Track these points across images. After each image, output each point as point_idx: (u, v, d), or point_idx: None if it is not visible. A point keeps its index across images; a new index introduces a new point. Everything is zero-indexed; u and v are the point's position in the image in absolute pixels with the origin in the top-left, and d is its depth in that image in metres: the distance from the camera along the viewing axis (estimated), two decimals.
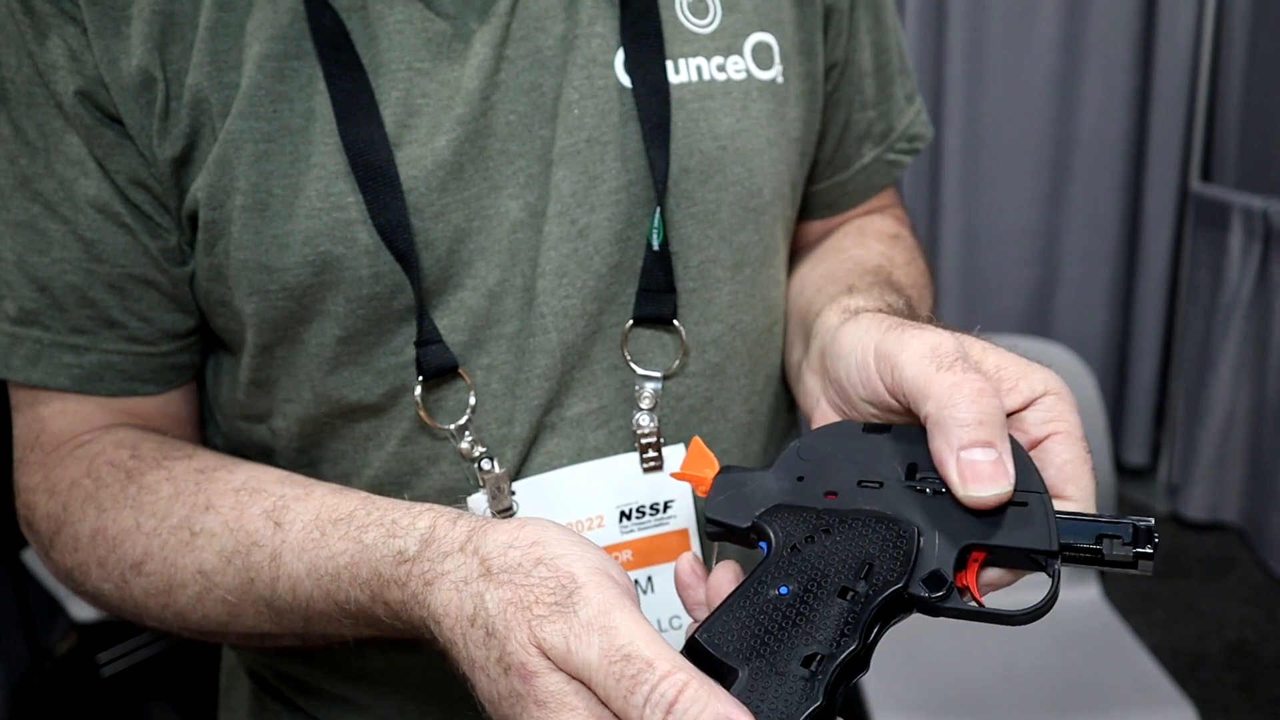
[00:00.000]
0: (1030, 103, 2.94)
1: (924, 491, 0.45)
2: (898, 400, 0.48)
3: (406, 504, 0.50)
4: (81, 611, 1.98)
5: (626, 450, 0.61)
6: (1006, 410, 0.46)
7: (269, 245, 0.55)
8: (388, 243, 0.55)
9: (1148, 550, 0.43)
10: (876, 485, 0.47)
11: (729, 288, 0.63)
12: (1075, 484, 0.45)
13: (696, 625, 0.45)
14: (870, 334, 0.49)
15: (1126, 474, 3.12)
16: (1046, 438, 0.46)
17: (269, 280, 0.56)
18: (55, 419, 0.61)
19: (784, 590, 0.43)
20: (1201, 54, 2.78)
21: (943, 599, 0.43)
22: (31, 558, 2.13)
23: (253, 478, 0.55)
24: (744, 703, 0.40)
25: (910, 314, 0.62)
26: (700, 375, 0.63)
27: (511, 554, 0.43)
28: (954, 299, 3.02)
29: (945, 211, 2.96)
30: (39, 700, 2.44)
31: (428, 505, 0.49)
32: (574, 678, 0.41)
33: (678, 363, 0.62)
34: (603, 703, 0.40)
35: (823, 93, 0.68)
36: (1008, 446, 0.43)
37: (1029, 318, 3.11)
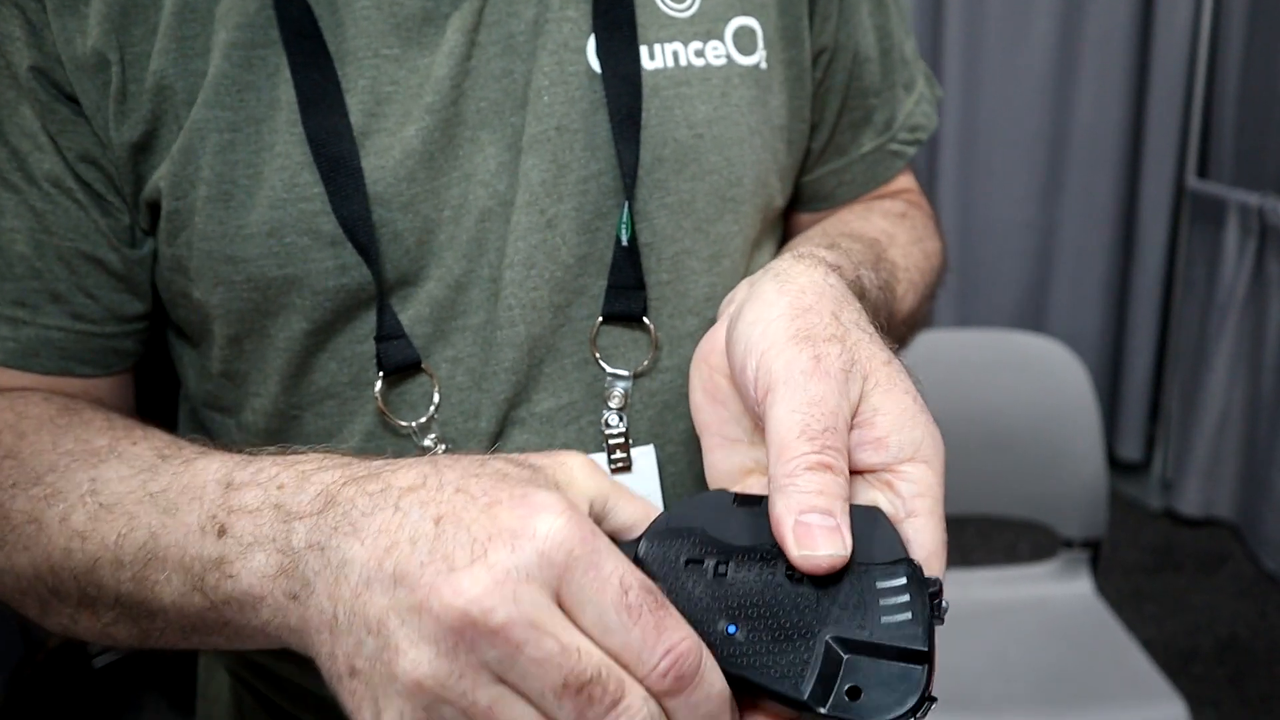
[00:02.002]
0: (1027, 98, 2.93)
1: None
2: (758, 413, 0.45)
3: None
4: None
5: (596, 450, 0.60)
6: (867, 465, 0.43)
7: (233, 236, 0.54)
8: (350, 235, 0.54)
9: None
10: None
11: (706, 280, 0.62)
12: (931, 571, 0.42)
13: None
14: (777, 328, 0.45)
15: (1121, 469, 3.12)
16: (911, 516, 0.43)
17: (234, 271, 0.55)
18: None
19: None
20: (1198, 50, 2.78)
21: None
22: None
23: (149, 436, 0.52)
24: None
25: (888, 293, 0.60)
26: (674, 371, 0.61)
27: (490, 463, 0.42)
28: (949, 293, 3.02)
29: (941, 205, 2.96)
30: (32, 691, 2.44)
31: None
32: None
33: (648, 360, 0.60)
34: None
35: (811, 79, 0.66)
36: (846, 518, 0.41)
37: (1024, 312, 3.11)
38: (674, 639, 0.37)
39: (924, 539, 0.42)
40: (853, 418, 0.43)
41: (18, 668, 2.45)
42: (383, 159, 0.55)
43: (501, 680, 0.36)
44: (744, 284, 0.51)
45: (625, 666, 0.37)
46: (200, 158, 0.54)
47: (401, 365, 0.56)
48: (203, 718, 0.79)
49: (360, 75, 0.55)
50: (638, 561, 0.43)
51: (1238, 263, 2.68)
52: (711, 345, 0.50)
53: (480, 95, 0.56)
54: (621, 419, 0.60)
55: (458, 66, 0.56)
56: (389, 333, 0.56)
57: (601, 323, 0.59)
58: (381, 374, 0.57)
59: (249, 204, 0.54)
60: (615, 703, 0.36)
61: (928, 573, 0.42)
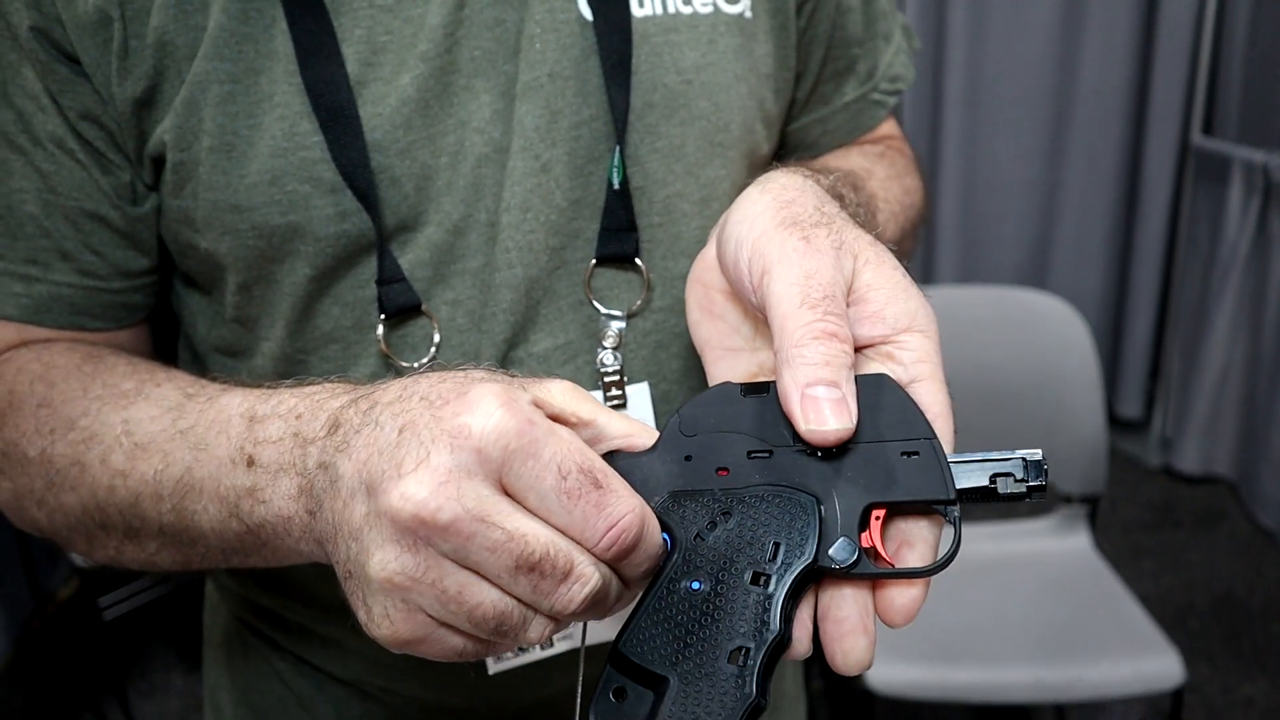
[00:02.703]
0: (1032, 55, 2.91)
1: (814, 454, 0.44)
2: (755, 302, 0.46)
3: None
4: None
5: (592, 388, 0.61)
6: (866, 338, 0.45)
7: (236, 186, 0.55)
8: (349, 182, 0.55)
9: (1039, 483, 0.44)
10: (766, 454, 0.45)
11: (696, 222, 0.63)
12: (941, 429, 0.45)
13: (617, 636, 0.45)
14: (764, 219, 0.46)
15: (1121, 427, 3.14)
16: (915, 382, 0.45)
17: (239, 220, 0.56)
18: None
19: (696, 585, 0.43)
20: (1206, 7, 2.75)
21: (853, 566, 0.43)
22: None
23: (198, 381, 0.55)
24: (680, 714, 0.40)
25: (869, 214, 0.61)
26: (666, 311, 0.62)
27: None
28: (951, 251, 3.02)
29: (945, 164, 2.94)
30: (42, 644, 2.48)
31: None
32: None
33: (641, 300, 0.62)
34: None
35: (795, 28, 0.67)
36: (852, 389, 0.43)
37: (1027, 270, 3.11)
38: (615, 515, 0.40)
39: (930, 401, 0.44)
40: (848, 294, 0.45)
41: (27, 621, 2.49)
42: (379, 107, 0.56)
43: (464, 566, 0.40)
44: (734, 205, 0.52)
45: (575, 540, 0.41)
46: (202, 110, 0.55)
47: (403, 308, 0.58)
48: (209, 663, 0.81)
49: (355, 25, 0.56)
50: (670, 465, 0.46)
51: (1241, 220, 2.67)
52: (704, 264, 0.52)
53: (473, 43, 0.57)
54: (616, 357, 0.61)
55: (451, 15, 0.56)
56: (389, 276, 0.57)
57: (595, 264, 0.61)
58: (383, 317, 0.58)
59: (250, 154, 0.55)
60: (566, 574, 0.40)
61: (938, 431, 0.44)
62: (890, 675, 1.58)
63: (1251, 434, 2.77)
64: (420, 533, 0.39)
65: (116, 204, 0.59)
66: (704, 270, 0.52)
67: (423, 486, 0.39)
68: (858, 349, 0.45)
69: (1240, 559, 2.64)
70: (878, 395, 0.44)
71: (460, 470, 0.39)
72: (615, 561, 0.41)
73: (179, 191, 0.57)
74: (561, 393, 0.44)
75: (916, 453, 0.43)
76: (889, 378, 0.45)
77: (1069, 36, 2.89)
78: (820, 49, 0.70)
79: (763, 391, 0.46)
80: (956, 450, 0.45)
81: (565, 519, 0.40)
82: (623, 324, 0.61)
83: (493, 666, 0.64)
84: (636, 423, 0.46)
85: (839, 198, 0.54)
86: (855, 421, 0.42)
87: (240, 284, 0.59)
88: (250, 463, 0.46)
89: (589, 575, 0.40)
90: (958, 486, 0.43)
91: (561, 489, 0.40)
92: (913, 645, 1.63)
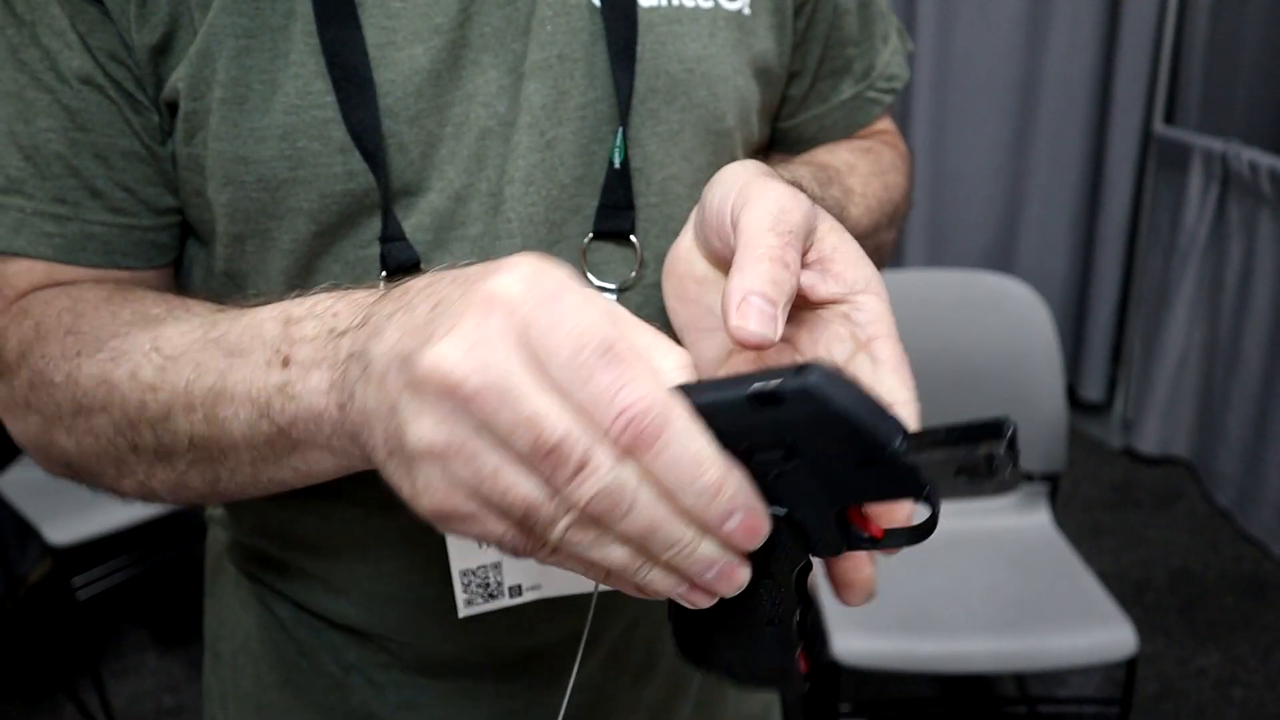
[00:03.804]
0: (999, 45, 2.95)
1: (779, 463, 0.41)
2: (730, 238, 0.48)
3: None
4: (57, 535, 1.99)
5: None
6: (827, 295, 0.48)
7: (246, 137, 0.57)
8: (358, 143, 0.57)
9: (1008, 452, 0.40)
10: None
11: (688, 205, 0.65)
12: (902, 380, 0.47)
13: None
14: (746, 172, 0.50)
15: (1083, 409, 3.21)
16: (872, 340, 0.48)
17: (245, 171, 0.58)
18: (21, 275, 0.61)
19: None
20: (1168, 1, 2.81)
21: (841, 550, 0.43)
22: (3, 483, 2.14)
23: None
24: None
25: (840, 210, 0.64)
26: (656, 286, 0.64)
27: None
28: (919, 235, 3.07)
29: (913, 150, 2.96)
30: (14, 625, 2.47)
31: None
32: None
33: (634, 274, 0.64)
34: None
35: (792, 28, 0.70)
36: (784, 314, 0.44)
37: (992, 254, 3.16)
38: (630, 396, 0.36)
39: (887, 355, 0.47)
40: (811, 253, 0.48)
41: None
42: (392, 73, 0.58)
43: (499, 444, 0.37)
44: (708, 186, 0.55)
45: (592, 426, 0.37)
46: (217, 61, 0.56)
47: (404, 265, 0.60)
48: (210, 615, 0.83)
49: None
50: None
51: (1200, 208, 2.73)
52: (676, 254, 0.56)
53: (485, 20, 0.59)
54: None
55: None
56: (392, 235, 0.59)
57: (591, 239, 0.63)
58: (385, 273, 0.60)
59: (263, 108, 0.57)
60: (581, 466, 0.36)
61: (898, 385, 0.45)
62: (856, 647, 1.62)
63: (1208, 416, 2.84)
64: (452, 401, 0.37)
65: (147, 142, 0.60)
66: (677, 261, 0.55)
67: (452, 351, 0.37)
68: (818, 304, 0.49)
69: (1197, 536, 2.72)
70: (845, 396, 0.42)
71: (490, 336, 0.37)
72: (633, 453, 0.37)
73: (189, 139, 0.58)
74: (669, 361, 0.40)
75: (873, 462, 0.40)
76: (852, 380, 0.42)
77: (1035, 27, 2.94)
78: (817, 48, 0.73)
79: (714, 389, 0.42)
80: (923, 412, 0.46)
81: (579, 396, 0.37)
82: (614, 296, 0.63)
83: (462, 610, 0.66)
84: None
85: (809, 194, 0.56)
86: (778, 337, 0.44)
87: (233, 236, 0.60)
88: (286, 363, 0.46)
89: (605, 470, 0.36)
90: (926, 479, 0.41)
91: (575, 361, 0.37)
92: (878, 618, 1.68)
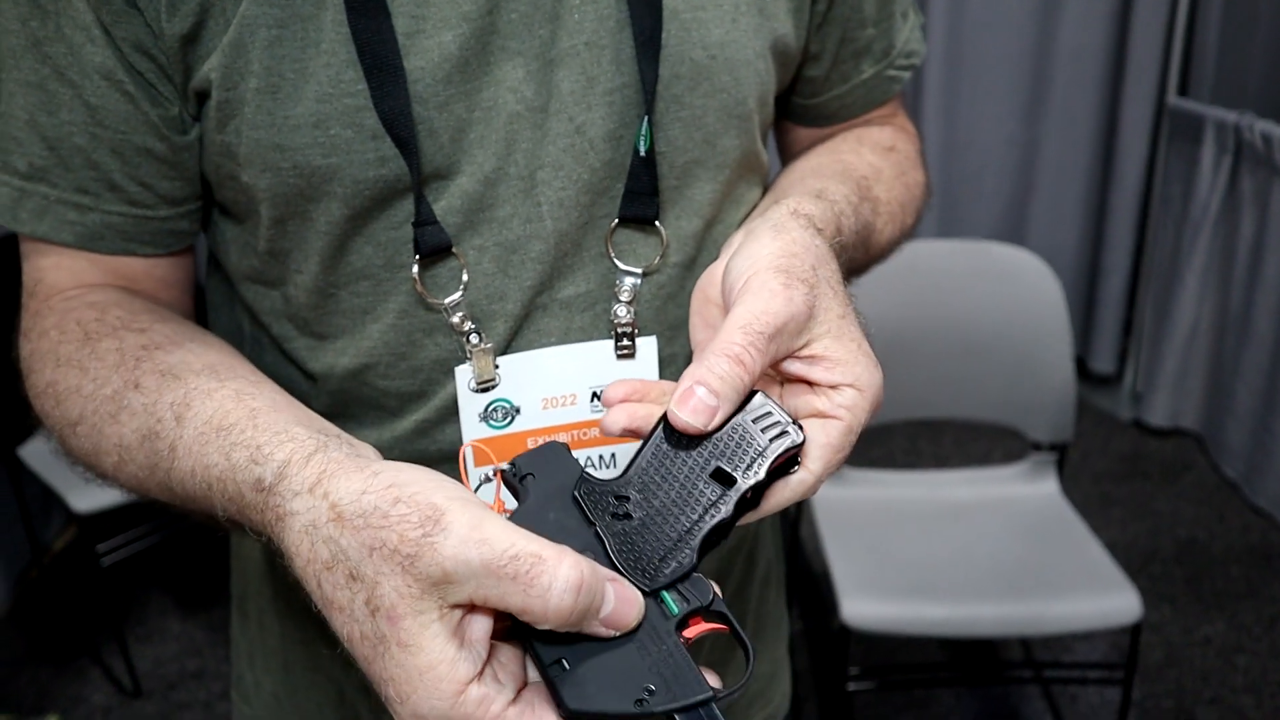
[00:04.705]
0: (1012, 14, 2.94)
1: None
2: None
3: (281, 426, 0.50)
4: (81, 503, 2.03)
5: (605, 337, 0.66)
6: (818, 380, 0.53)
7: (281, 126, 0.59)
8: (389, 129, 0.59)
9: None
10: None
11: (709, 187, 0.68)
12: (820, 463, 0.52)
13: None
14: (763, 260, 0.54)
15: (1094, 382, 3.22)
16: (830, 417, 0.53)
17: (281, 159, 0.60)
18: (52, 271, 0.65)
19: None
20: None
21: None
22: (28, 453, 2.18)
23: (182, 362, 0.58)
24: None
25: (868, 232, 0.68)
26: (678, 266, 0.67)
27: (366, 499, 0.44)
28: (931, 207, 3.06)
29: (926, 122, 2.99)
30: (41, 592, 2.52)
31: (296, 434, 0.49)
32: (454, 605, 0.43)
33: (658, 259, 0.66)
34: (495, 610, 0.43)
35: (810, 11, 0.71)
36: (728, 409, 0.50)
37: (1004, 226, 3.16)
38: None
39: (824, 433, 0.52)
40: (805, 349, 0.53)
41: (24, 572, 2.53)
42: (421, 60, 0.59)
43: None
44: (741, 231, 0.59)
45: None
46: (250, 51, 0.58)
47: (436, 248, 0.62)
48: (236, 574, 0.86)
49: None
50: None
51: (1212, 180, 2.73)
52: (709, 279, 0.59)
53: (513, 7, 0.61)
54: (629, 311, 0.66)
55: None
56: (424, 219, 0.61)
57: (617, 223, 0.65)
58: (418, 257, 0.62)
59: (296, 96, 0.59)
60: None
61: (813, 461, 0.52)
62: (864, 611, 1.65)
63: (1218, 388, 2.85)
64: None
65: (164, 135, 0.62)
66: (707, 285, 0.59)
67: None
68: (808, 383, 0.54)
69: (1204, 507, 2.74)
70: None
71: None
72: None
73: (222, 128, 0.60)
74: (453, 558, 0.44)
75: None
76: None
77: None
78: (837, 31, 0.74)
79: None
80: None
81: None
82: (638, 280, 0.66)
83: None
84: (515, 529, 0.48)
85: (840, 248, 0.61)
86: (708, 429, 0.50)
87: (275, 218, 0.63)
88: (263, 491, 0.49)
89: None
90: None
91: None
92: (886, 583, 1.70)
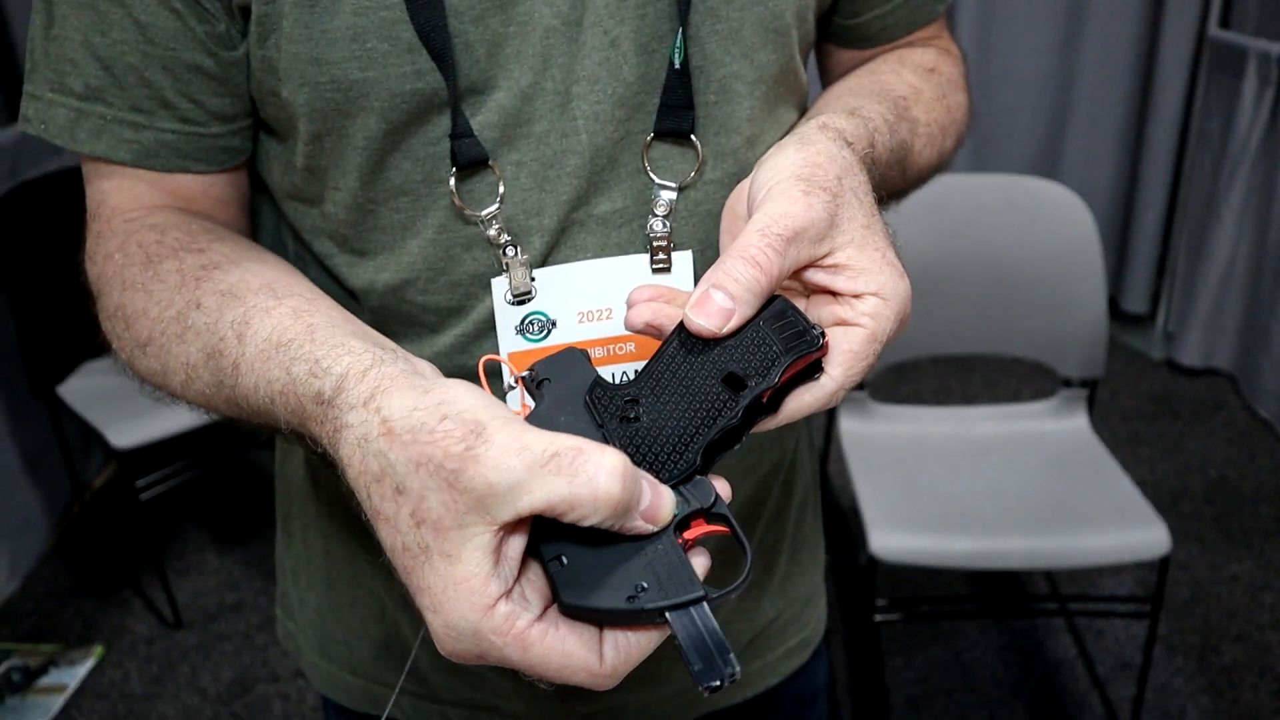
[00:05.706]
0: None
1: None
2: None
3: (338, 340, 0.51)
4: (120, 439, 2.07)
5: (642, 251, 0.67)
6: (841, 289, 0.53)
7: (318, 39, 0.59)
8: (425, 42, 0.59)
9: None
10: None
11: (748, 103, 0.67)
12: (841, 369, 0.52)
13: None
14: (786, 170, 0.54)
15: (1126, 321, 3.19)
16: (853, 325, 0.52)
17: (319, 73, 0.60)
18: (113, 193, 0.67)
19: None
20: None
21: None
22: (67, 390, 2.22)
23: (241, 281, 0.59)
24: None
25: (903, 151, 0.67)
26: (717, 184, 0.67)
27: (416, 415, 0.45)
28: (966, 140, 3.02)
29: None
30: (83, 527, 2.59)
31: (353, 347, 0.51)
32: (501, 524, 0.44)
33: (694, 174, 0.66)
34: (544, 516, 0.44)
35: None
36: (746, 313, 0.50)
37: (1038, 161, 3.12)
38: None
39: (850, 338, 0.52)
40: (828, 259, 0.53)
41: (67, 508, 2.59)
42: None
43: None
44: (774, 148, 0.59)
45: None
46: None
47: (473, 161, 0.62)
48: (280, 494, 0.88)
49: None
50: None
51: (1254, 113, 2.67)
52: (738, 196, 0.59)
53: None
54: (665, 225, 0.66)
55: None
56: (461, 132, 0.62)
57: (653, 138, 0.65)
58: (455, 170, 0.62)
59: (333, 9, 0.59)
60: None
61: (834, 366, 0.52)
62: (892, 544, 1.67)
63: (1253, 327, 2.81)
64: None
65: (213, 51, 0.63)
66: (736, 201, 0.59)
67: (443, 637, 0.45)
68: (831, 293, 0.54)
69: (1235, 447, 2.72)
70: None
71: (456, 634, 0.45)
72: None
73: (263, 42, 0.61)
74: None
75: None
76: (788, 302, 0.52)
77: None
78: None
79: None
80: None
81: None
82: (674, 195, 0.66)
83: None
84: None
85: (871, 162, 0.60)
86: (723, 332, 0.50)
87: (313, 134, 0.63)
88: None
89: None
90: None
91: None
92: (914, 516, 1.71)
